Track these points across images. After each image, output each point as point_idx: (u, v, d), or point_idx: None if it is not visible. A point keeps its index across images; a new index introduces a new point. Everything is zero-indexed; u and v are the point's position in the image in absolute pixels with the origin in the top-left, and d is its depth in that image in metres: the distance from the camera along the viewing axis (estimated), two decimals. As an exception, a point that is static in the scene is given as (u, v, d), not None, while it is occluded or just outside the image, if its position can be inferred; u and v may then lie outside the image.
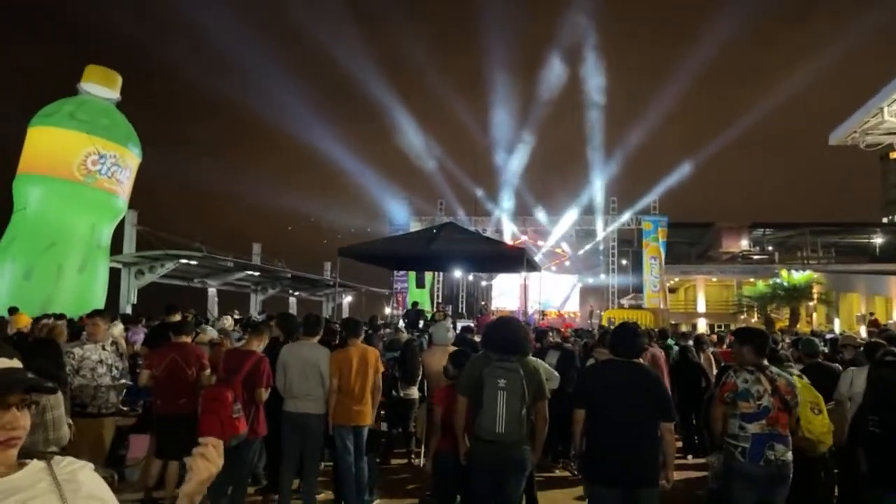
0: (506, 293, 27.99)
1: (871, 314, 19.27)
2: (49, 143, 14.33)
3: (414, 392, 6.65)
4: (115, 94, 15.74)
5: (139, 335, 8.07)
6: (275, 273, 23.95)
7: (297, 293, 29.01)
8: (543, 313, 23.69)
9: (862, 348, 5.38)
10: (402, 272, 24.19)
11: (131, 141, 15.46)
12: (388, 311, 27.38)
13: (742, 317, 28.05)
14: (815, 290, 24.57)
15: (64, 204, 14.23)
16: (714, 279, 32.73)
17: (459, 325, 12.27)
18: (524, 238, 26.51)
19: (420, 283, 19.66)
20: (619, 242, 26.58)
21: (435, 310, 18.11)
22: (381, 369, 5.08)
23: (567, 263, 29.34)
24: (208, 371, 5.00)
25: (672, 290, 33.30)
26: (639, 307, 25.94)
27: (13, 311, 9.98)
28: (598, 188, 25.50)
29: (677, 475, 3.57)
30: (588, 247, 27.71)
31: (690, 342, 8.71)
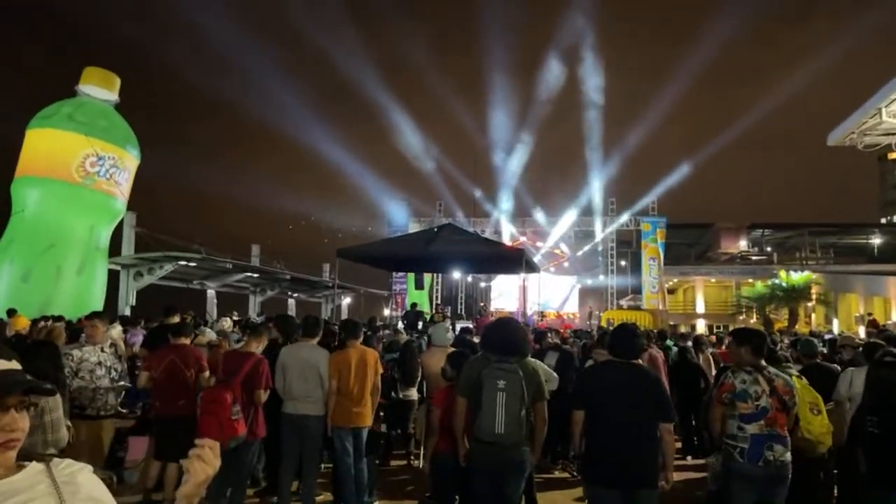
0: (505, 294, 28.01)
1: (870, 314, 19.27)
2: (47, 145, 14.33)
3: (413, 393, 6.65)
4: (113, 96, 15.74)
5: (138, 337, 8.07)
6: (273, 275, 23.95)
7: (295, 295, 29.02)
8: (542, 314, 23.70)
9: (861, 349, 5.39)
10: (400, 273, 24.21)
11: (130, 143, 15.46)
12: (386, 312, 27.38)
13: (741, 317, 28.06)
14: (814, 290, 24.58)
15: (62, 206, 14.22)
16: (713, 280, 32.75)
17: (458, 326, 12.29)
18: (523, 239, 26.53)
19: (419, 285, 19.66)
20: (617, 243, 26.62)
21: (434, 311, 18.11)
22: (380, 371, 5.08)
23: (566, 264, 29.36)
24: (207, 373, 5.00)
25: (671, 291, 33.34)
26: (638, 308, 25.95)
27: (11, 312, 9.97)
28: (596, 189, 25.55)
29: (676, 476, 3.57)
30: (587, 248, 27.73)
31: (689, 343, 8.72)
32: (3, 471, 1.11)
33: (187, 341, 5.18)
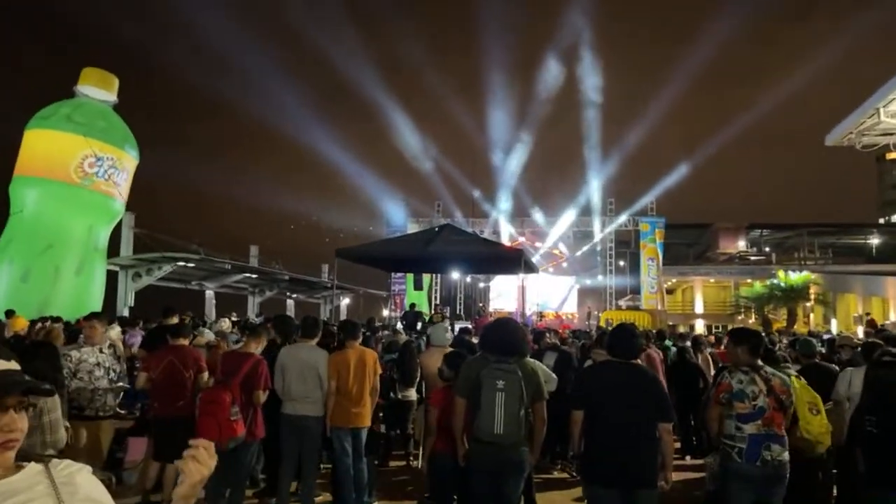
0: (504, 294, 28.01)
1: (868, 314, 19.30)
2: (46, 145, 14.32)
3: (412, 394, 6.64)
4: (111, 97, 15.74)
5: (136, 338, 8.07)
6: (272, 275, 23.94)
7: (294, 295, 28.99)
8: (541, 315, 23.70)
9: (859, 348, 5.39)
10: (399, 274, 24.20)
11: (128, 143, 15.45)
12: (385, 312, 27.37)
13: (739, 317, 28.08)
14: (812, 290, 24.61)
15: (61, 206, 14.21)
16: (711, 280, 32.79)
17: (457, 326, 12.28)
18: (522, 239, 26.56)
19: (418, 285, 19.65)
20: (616, 244, 26.64)
21: (433, 311, 18.11)
22: (379, 371, 5.08)
23: (565, 265, 29.40)
24: (206, 373, 4.99)
25: (669, 291, 33.38)
26: (636, 308, 25.99)
27: (10, 313, 9.97)
28: (595, 189, 25.60)
29: (675, 476, 3.57)
30: (586, 248, 27.77)
31: (688, 343, 8.73)
32: (2, 471, 1.11)
33: (186, 342, 5.18)
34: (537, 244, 27.39)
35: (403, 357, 6.63)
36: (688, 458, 7.12)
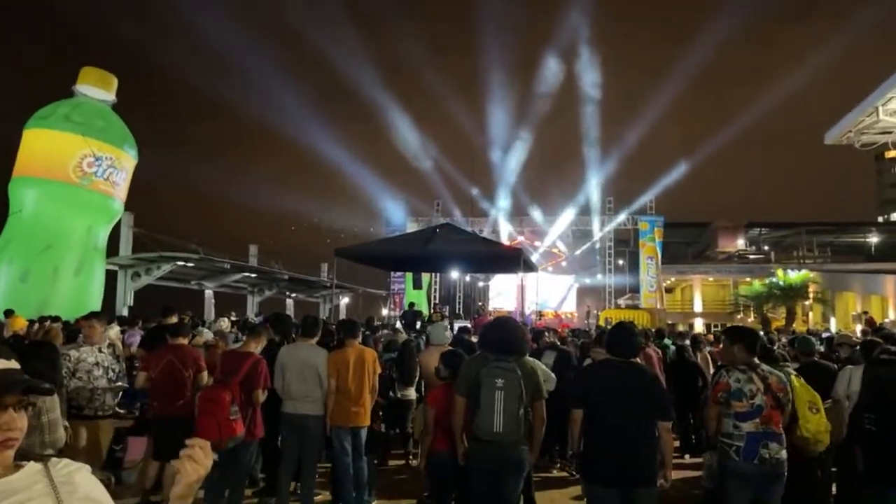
0: (503, 294, 28.01)
1: (867, 313, 19.31)
2: (45, 145, 14.31)
3: (411, 393, 6.65)
4: (110, 96, 15.72)
5: (136, 337, 8.07)
6: (271, 275, 23.94)
7: (294, 295, 28.99)
8: (540, 314, 23.71)
9: (858, 347, 5.40)
10: (399, 273, 24.23)
11: (127, 143, 15.44)
12: (385, 312, 27.39)
13: (738, 316, 28.08)
14: (811, 289, 24.62)
15: (60, 206, 14.20)
16: (710, 279, 32.79)
17: (456, 325, 12.28)
18: (521, 238, 26.58)
19: (417, 284, 19.64)
20: (615, 242, 26.66)
21: (432, 311, 18.12)
22: (379, 370, 5.08)
23: (564, 264, 29.40)
24: (205, 373, 5.00)
25: (668, 290, 33.39)
26: (635, 307, 26.02)
27: (9, 313, 9.97)
28: (594, 188, 25.63)
29: (674, 474, 3.57)
30: (585, 247, 27.78)
31: (687, 342, 8.74)
32: (1, 470, 1.11)
33: (185, 341, 5.18)
34: (536, 243, 27.40)
35: (403, 356, 6.63)
36: (687, 456, 7.13)
